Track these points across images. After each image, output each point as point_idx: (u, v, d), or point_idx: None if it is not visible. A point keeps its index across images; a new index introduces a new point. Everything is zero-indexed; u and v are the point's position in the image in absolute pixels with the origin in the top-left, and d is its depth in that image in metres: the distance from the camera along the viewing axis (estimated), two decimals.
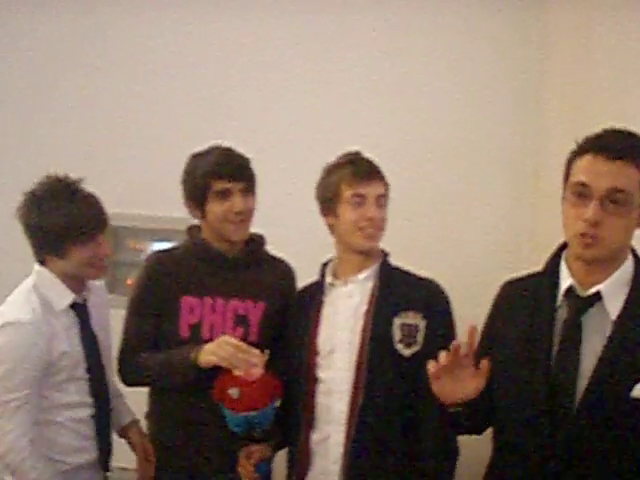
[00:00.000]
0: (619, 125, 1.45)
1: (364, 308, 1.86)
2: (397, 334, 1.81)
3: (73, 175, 1.85)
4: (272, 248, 2.13)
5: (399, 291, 1.85)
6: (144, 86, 3.01)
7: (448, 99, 2.70)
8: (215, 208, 1.92)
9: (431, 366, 1.46)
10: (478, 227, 2.64)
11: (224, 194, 1.91)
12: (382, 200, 1.88)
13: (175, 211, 2.80)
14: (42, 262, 1.85)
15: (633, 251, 1.51)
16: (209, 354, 1.82)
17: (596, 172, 1.38)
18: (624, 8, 1.91)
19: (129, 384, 2.03)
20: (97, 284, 2.02)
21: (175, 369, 1.88)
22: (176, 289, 1.96)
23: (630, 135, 1.44)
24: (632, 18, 1.86)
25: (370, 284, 1.88)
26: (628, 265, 1.47)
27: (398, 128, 2.71)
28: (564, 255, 1.54)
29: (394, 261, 1.96)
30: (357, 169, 1.87)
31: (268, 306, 2.00)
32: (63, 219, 1.75)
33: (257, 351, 1.82)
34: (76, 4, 3.05)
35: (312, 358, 1.88)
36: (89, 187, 1.89)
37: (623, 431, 1.39)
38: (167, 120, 2.97)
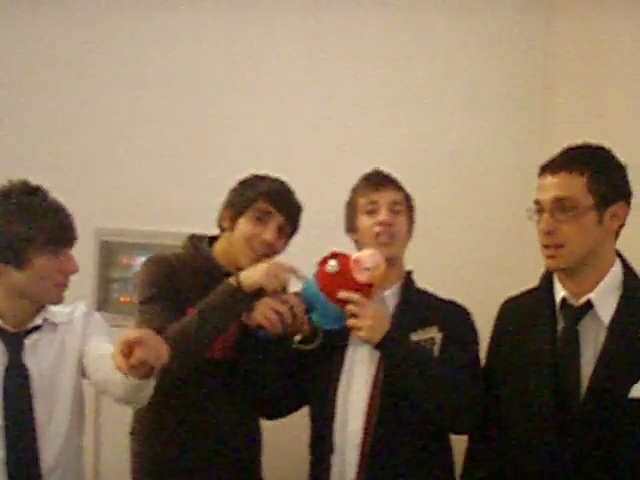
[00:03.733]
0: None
1: None
2: None
3: (52, 187, 1.70)
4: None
5: (418, 310, 1.83)
6: (138, 99, 2.96)
7: (450, 107, 2.65)
8: (246, 226, 1.86)
9: None
10: (483, 239, 2.58)
11: (262, 217, 1.86)
12: (397, 207, 1.86)
13: (167, 225, 2.79)
14: None
15: (620, 256, 1.58)
16: (257, 274, 1.72)
17: (543, 187, 1.55)
18: (629, 10, 1.89)
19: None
20: (82, 313, 1.77)
21: (218, 308, 1.72)
22: (183, 297, 1.84)
23: (578, 147, 1.58)
24: (637, 19, 1.84)
25: (393, 302, 1.86)
26: (616, 271, 1.54)
27: (402, 137, 2.66)
28: None
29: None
30: (369, 179, 1.90)
31: None
32: (30, 223, 1.56)
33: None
34: (72, 9, 3.00)
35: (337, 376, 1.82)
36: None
37: (625, 430, 1.46)
38: (160, 134, 2.92)
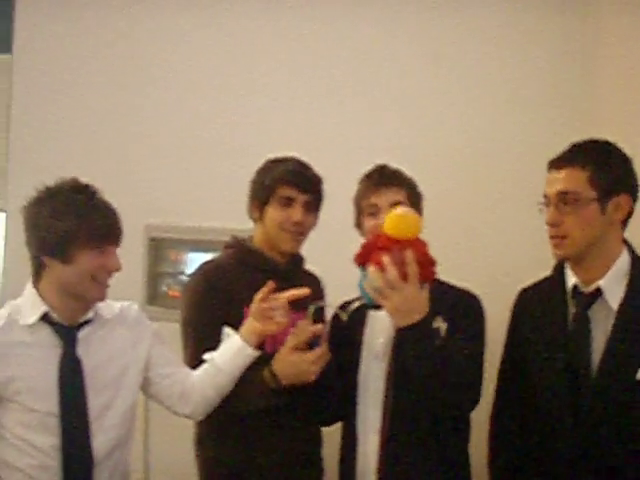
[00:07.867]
0: None
1: None
2: None
3: (103, 185, 1.75)
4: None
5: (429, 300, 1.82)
6: (181, 96, 3.01)
7: (495, 104, 2.58)
8: (274, 214, 1.93)
9: None
10: (510, 237, 2.48)
11: (287, 201, 1.92)
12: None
13: (213, 221, 2.84)
14: (40, 268, 1.68)
15: (629, 246, 1.67)
16: (291, 376, 1.79)
17: (549, 182, 1.67)
18: None
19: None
20: (133, 312, 1.84)
21: (252, 395, 1.84)
22: (238, 300, 1.88)
23: (582, 143, 1.67)
24: None
25: None
26: (623, 260, 1.64)
27: (430, 136, 2.59)
28: None
29: None
30: (370, 178, 1.92)
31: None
32: (75, 219, 1.61)
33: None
34: (90, 10, 3.10)
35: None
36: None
37: (633, 409, 1.55)
38: (205, 131, 2.97)
